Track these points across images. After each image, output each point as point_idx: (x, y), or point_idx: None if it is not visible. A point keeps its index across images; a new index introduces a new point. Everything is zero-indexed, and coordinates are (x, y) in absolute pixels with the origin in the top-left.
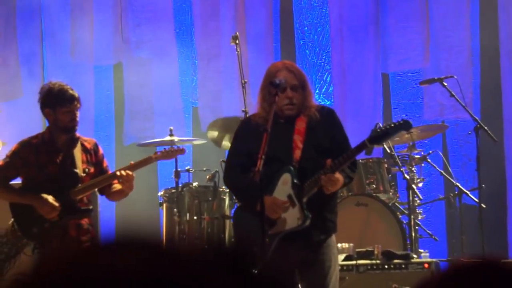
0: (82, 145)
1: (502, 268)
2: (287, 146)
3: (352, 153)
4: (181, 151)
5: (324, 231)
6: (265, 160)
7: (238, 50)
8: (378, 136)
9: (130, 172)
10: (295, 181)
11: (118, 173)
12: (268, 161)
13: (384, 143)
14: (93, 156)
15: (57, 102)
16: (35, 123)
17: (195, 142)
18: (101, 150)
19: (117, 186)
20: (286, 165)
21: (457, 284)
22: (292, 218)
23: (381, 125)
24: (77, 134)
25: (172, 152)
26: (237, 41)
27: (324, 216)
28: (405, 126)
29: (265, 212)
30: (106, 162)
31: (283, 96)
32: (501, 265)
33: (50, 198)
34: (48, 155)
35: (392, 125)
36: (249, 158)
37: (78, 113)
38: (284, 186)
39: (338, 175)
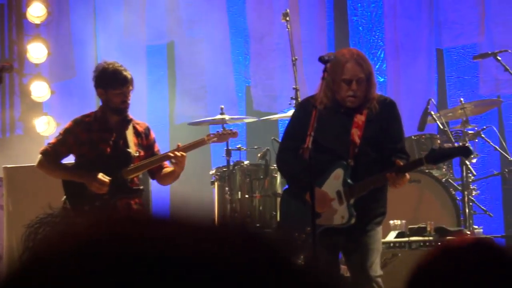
0: (134, 127)
1: (494, 248)
2: (345, 139)
3: (406, 167)
4: (234, 134)
5: (372, 227)
6: (320, 148)
7: (288, 27)
8: (435, 156)
9: (184, 153)
10: (348, 180)
11: (171, 153)
12: (324, 150)
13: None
14: (144, 139)
15: (109, 83)
16: (88, 104)
17: (246, 120)
18: (153, 134)
19: (167, 169)
20: (341, 159)
21: (449, 263)
22: (337, 215)
23: (433, 100)
24: (130, 116)
25: (224, 134)
26: (287, 18)
27: (373, 212)
28: (465, 152)
29: (314, 195)
30: (157, 147)
31: (347, 88)
32: (493, 245)
33: (99, 174)
34: (101, 133)
35: (452, 149)
36: (304, 142)
37: (130, 96)
38: (335, 181)
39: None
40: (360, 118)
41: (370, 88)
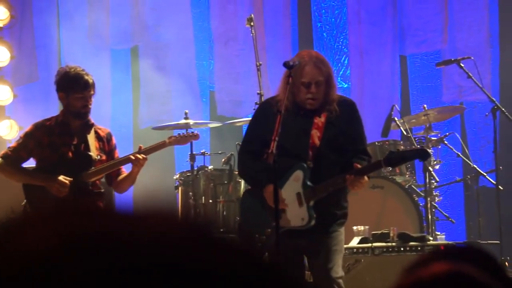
0: (96, 132)
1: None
2: (304, 141)
3: (364, 169)
4: (195, 136)
5: (334, 228)
6: (280, 150)
7: (253, 32)
8: (393, 159)
9: (145, 156)
10: (307, 182)
11: (132, 156)
12: (284, 152)
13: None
14: (106, 144)
15: (70, 87)
16: (51, 107)
17: (211, 125)
18: (114, 140)
19: (123, 174)
20: (300, 161)
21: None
22: (297, 216)
23: (397, 107)
24: (92, 120)
25: (185, 137)
26: (252, 23)
27: (334, 214)
28: (422, 155)
29: (277, 196)
30: (118, 153)
31: (306, 90)
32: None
33: (60, 177)
34: (62, 137)
35: (410, 151)
36: (264, 145)
37: (91, 100)
38: (295, 183)
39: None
40: (320, 120)
41: (330, 90)
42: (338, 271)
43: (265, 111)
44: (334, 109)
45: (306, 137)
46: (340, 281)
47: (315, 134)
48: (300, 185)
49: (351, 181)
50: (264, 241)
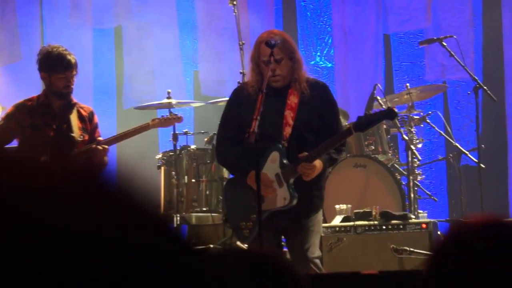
0: (79, 112)
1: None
2: (278, 122)
3: (334, 140)
4: (178, 118)
5: (312, 209)
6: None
7: (236, 11)
8: (362, 124)
9: (106, 146)
10: (284, 161)
11: (94, 146)
12: (260, 134)
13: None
14: (88, 124)
15: (52, 67)
16: (34, 87)
17: (194, 105)
18: (96, 119)
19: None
20: (275, 142)
21: (465, 246)
22: (279, 197)
23: (380, 86)
24: (74, 100)
25: (169, 119)
26: (235, 2)
27: (312, 194)
28: (390, 114)
29: (259, 179)
30: (99, 132)
31: (267, 68)
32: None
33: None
34: (44, 117)
35: (377, 113)
36: (240, 130)
37: (74, 80)
38: (272, 164)
39: (315, 162)
40: (293, 100)
41: (295, 68)
42: (315, 251)
43: (238, 96)
44: (304, 89)
45: (279, 118)
46: (317, 261)
47: (289, 115)
48: (277, 166)
49: (300, 168)
50: (251, 226)
